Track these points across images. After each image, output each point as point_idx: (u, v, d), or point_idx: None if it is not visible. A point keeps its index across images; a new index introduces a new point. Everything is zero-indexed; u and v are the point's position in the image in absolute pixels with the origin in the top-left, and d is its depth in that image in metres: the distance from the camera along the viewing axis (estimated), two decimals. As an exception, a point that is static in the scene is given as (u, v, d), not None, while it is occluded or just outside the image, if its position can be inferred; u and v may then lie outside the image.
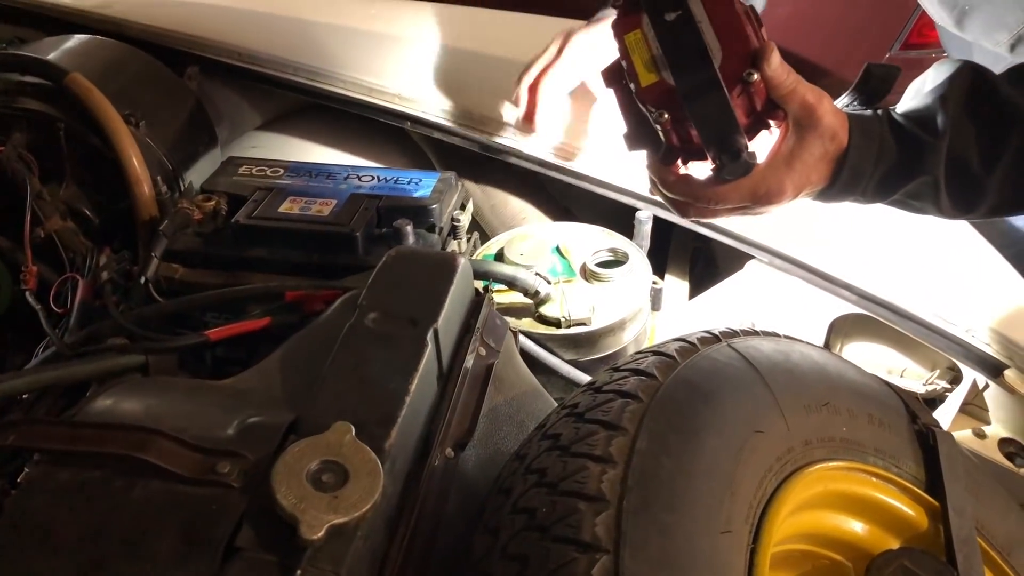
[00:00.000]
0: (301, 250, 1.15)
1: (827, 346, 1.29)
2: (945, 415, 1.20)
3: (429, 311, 0.89)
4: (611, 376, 0.82)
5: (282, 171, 1.29)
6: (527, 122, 1.22)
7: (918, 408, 1.00)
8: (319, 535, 0.66)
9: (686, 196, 0.96)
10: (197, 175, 1.34)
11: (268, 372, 0.90)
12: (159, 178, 1.24)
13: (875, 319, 1.19)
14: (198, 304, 1.07)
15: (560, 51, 1.20)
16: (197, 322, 1.11)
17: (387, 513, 0.75)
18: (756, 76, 0.87)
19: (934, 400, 1.25)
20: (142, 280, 1.09)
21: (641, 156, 0.98)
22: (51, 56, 1.30)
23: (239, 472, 0.72)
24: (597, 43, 1.20)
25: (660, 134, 0.92)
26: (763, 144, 0.94)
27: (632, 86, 0.91)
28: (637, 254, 1.22)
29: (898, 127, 0.95)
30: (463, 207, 1.25)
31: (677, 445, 0.73)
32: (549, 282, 1.13)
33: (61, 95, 1.24)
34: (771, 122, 0.93)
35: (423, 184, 1.24)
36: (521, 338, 1.09)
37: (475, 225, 1.38)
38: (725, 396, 0.81)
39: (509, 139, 1.30)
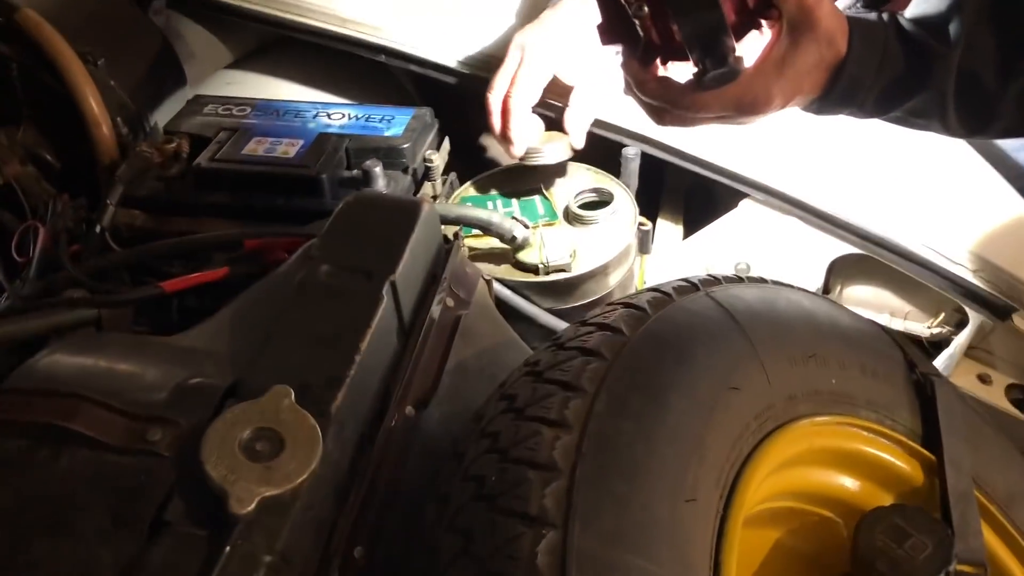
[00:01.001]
0: (265, 195, 1.09)
1: (826, 289, 1.22)
2: (949, 360, 1.14)
3: (386, 262, 0.83)
4: (576, 331, 0.76)
5: (249, 110, 1.23)
6: (504, 140, 1.13)
7: (916, 356, 0.94)
8: (249, 509, 0.61)
9: (663, 101, 0.87)
10: (164, 116, 1.28)
11: (217, 328, 0.85)
12: (119, 119, 1.17)
13: (877, 260, 1.12)
14: (154, 253, 1.02)
15: (522, 58, 1.11)
16: (163, 272, 1.06)
17: (335, 481, 0.71)
18: None
19: (939, 344, 1.19)
20: (97, 229, 1.04)
21: (615, 57, 0.88)
22: (3, -9, 1.23)
23: (170, 440, 0.67)
24: (555, 37, 1.11)
25: (638, 29, 0.82)
26: (751, 46, 0.84)
27: None
28: (623, 194, 1.15)
29: (905, 34, 0.85)
30: (439, 147, 1.18)
31: (639, 407, 0.67)
32: (527, 226, 1.06)
33: (13, 32, 1.17)
34: (762, 22, 0.83)
35: (396, 122, 1.17)
36: (496, 286, 1.03)
37: (455, 165, 1.31)
38: (698, 350, 0.75)
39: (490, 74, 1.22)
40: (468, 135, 1.41)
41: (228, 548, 0.60)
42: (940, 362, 1.14)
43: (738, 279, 0.88)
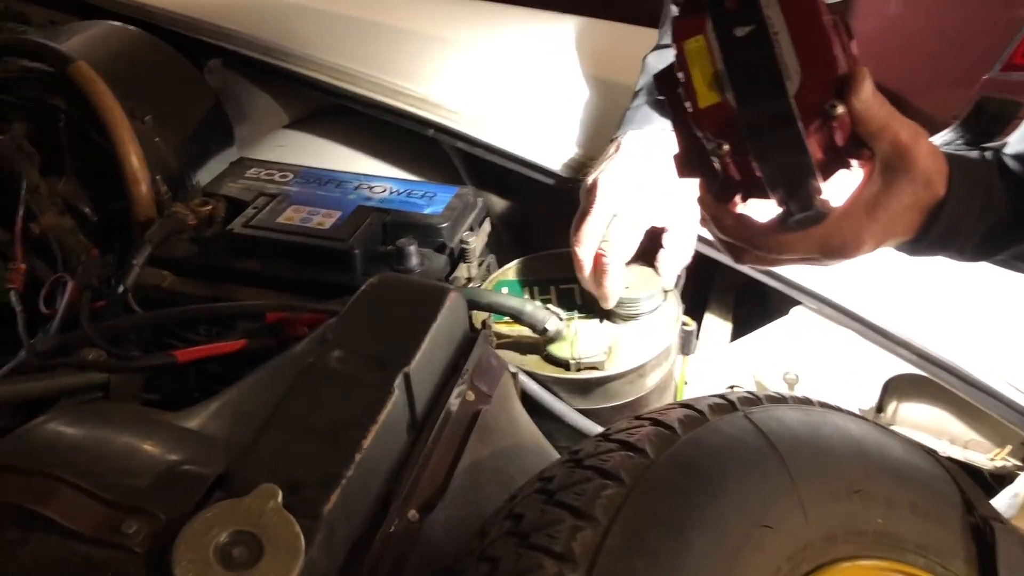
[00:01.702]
0: (295, 265, 1.06)
1: (880, 408, 1.14)
2: (1013, 499, 1.04)
3: (401, 352, 0.78)
4: (596, 447, 0.70)
5: (291, 176, 1.20)
6: (598, 295, 1.04)
7: (976, 496, 0.86)
8: (215, 625, 0.56)
9: (743, 240, 0.80)
10: (208, 176, 1.27)
11: (220, 408, 0.81)
12: (159, 178, 1.16)
13: (936, 382, 1.04)
14: (174, 318, 0.99)
15: (613, 213, 1.03)
16: (184, 338, 1.03)
17: (320, 590, 0.65)
18: (841, 109, 0.69)
19: (1003, 478, 1.09)
20: (120, 289, 1.01)
21: (693, 184, 0.81)
22: (63, 43, 1.24)
23: (145, 534, 0.62)
24: (641, 186, 1.03)
25: (716, 164, 0.75)
26: (840, 183, 0.76)
27: (688, 104, 0.74)
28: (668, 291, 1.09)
29: (1010, 175, 0.78)
30: (478, 227, 1.14)
31: (657, 543, 0.61)
32: (561, 318, 1.00)
33: (65, 84, 1.18)
34: (853, 161, 0.76)
35: (437, 199, 1.14)
36: (523, 379, 0.97)
37: (501, 244, 1.26)
38: (729, 481, 0.68)
39: (536, 156, 1.19)
40: (515, 216, 1.36)
41: (187, 667, 0.55)
42: (1003, 499, 1.04)
43: (781, 399, 0.81)
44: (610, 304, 1.03)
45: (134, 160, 1.14)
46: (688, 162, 0.77)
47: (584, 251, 1.02)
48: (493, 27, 1.41)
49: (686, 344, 1.10)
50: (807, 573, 0.70)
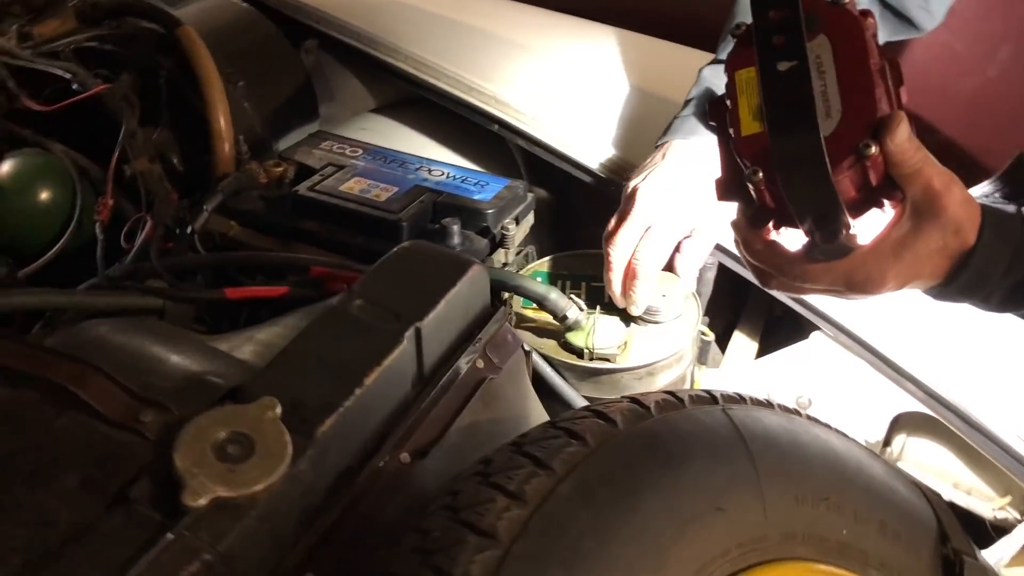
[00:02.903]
0: (349, 230, 1.14)
1: (887, 443, 1.15)
2: (1006, 549, 1.05)
3: (417, 309, 0.85)
4: (574, 413, 0.76)
5: (361, 152, 1.29)
6: (625, 299, 1.08)
7: (954, 529, 0.88)
8: (199, 503, 0.64)
9: (771, 266, 0.84)
10: (288, 144, 1.37)
11: (252, 337, 0.89)
12: (241, 138, 1.26)
13: (945, 424, 1.06)
14: (230, 262, 1.09)
15: (651, 220, 1.07)
16: (239, 282, 1.13)
17: (304, 503, 0.72)
18: (875, 149, 0.72)
19: (1002, 529, 1.09)
20: (188, 230, 1.11)
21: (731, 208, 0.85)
22: (178, 9, 1.37)
23: (160, 425, 0.71)
24: (680, 196, 1.07)
25: (752, 191, 0.79)
26: (871, 221, 0.80)
27: (732, 131, 0.78)
28: (692, 300, 1.13)
29: None
30: (523, 218, 1.21)
31: (606, 498, 0.66)
32: (582, 308, 1.06)
33: (172, 46, 1.29)
34: (885, 200, 0.79)
35: (488, 188, 1.21)
36: (535, 359, 1.03)
37: (549, 242, 1.33)
38: (693, 461, 0.73)
39: (583, 156, 1.26)
40: (562, 213, 1.43)
41: (170, 535, 0.62)
42: (996, 548, 1.05)
43: (767, 404, 0.85)
44: (637, 311, 1.08)
45: (221, 120, 1.25)
46: (728, 187, 0.82)
47: (616, 254, 1.08)
48: (563, 37, 1.48)
49: (703, 353, 1.14)
50: (758, 563, 0.74)
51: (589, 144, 1.29)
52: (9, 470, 0.68)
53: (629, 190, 1.10)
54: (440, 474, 0.85)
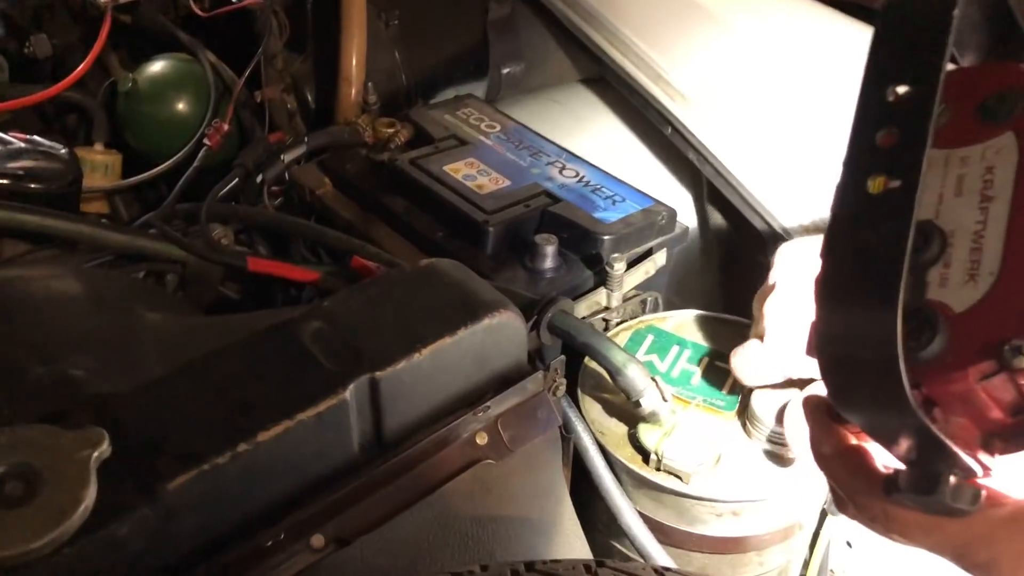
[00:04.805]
0: (431, 220, 0.94)
1: None
2: None
3: (388, 351, 0.63)
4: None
5: (498, 128, 1.08)
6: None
7: None
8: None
9: (839, 483, 0.53)
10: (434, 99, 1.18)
11: (224, 322, 0.72)
12: (370, 85, 1.09)
13: None
14: (284, 227, 0.92)
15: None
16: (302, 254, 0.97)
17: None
18: None
19: None
20: (259, 178, 0.96)
21: None
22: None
23: None
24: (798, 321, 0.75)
25: None
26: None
27: None
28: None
29: None
30: (652, 254, 0.93)
31: None
32: (665, 398, 0.78)
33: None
34: None
35: (622, 206, 0.95)
36: (585, 442, 0.77)
37: (675, 284, 1.04)
38: None
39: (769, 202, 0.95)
40: (740, 260, 1.13)
41: None
42: None
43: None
44: (761, 433, 0.78)
45: (353, 60, 1.09)
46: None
47: (766, 323, 0.77)
48: (778, 19, 1.13)
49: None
50: None
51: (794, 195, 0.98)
52: None
53: (786, 250, 0.79)
54: (369, 570, 0.64)
